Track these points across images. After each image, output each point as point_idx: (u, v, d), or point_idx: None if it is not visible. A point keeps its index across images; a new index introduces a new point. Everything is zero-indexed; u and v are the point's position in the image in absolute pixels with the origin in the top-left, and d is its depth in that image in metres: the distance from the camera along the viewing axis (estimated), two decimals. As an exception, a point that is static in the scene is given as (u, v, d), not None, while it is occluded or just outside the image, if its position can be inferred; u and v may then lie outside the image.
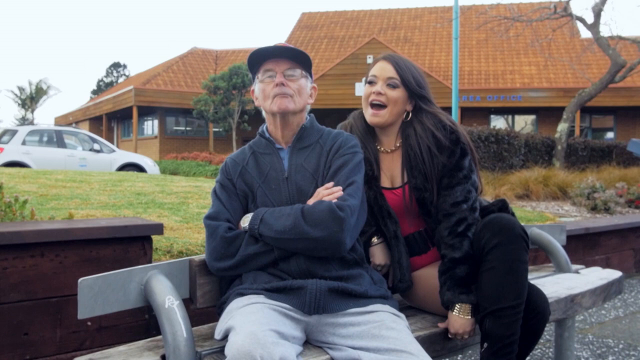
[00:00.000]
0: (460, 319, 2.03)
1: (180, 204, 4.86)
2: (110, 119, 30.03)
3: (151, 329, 2.72)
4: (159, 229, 2.76)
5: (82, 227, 2.55)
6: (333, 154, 1.96)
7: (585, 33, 22.50)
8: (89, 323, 2.57)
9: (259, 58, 1.97)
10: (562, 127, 13.12)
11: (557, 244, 3.11)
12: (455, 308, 2.03)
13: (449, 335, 2.07)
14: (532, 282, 2.38)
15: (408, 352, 1.63)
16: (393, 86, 2.18)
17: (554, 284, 2.76)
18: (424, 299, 2.21)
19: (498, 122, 24.64)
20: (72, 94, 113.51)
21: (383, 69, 2.20)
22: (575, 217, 6.77)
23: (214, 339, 1.93)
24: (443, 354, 2.11)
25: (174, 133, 26.99)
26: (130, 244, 2.69)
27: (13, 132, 12.91)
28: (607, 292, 2.89)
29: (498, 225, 2.01)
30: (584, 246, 5.13)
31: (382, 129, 2.25)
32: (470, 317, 2.03)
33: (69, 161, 12.61)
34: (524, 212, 6.67)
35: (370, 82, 2.22)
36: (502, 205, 2.20)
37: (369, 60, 22.03)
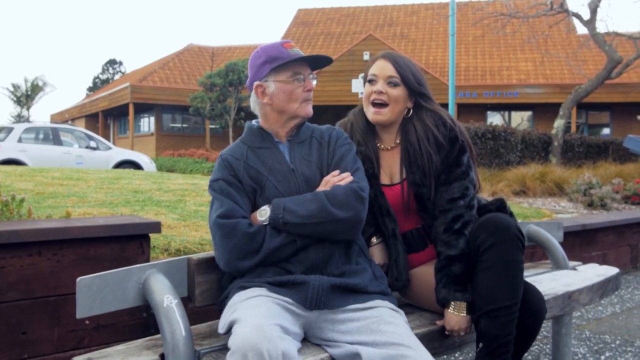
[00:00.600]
0: (455, 316, 2.04)
1: (178, 202, 4.85)
2: (107, 116, 29.95)
3: (149, 328, 2.72)
4: (156, 227, 2.75)
5: (80, 225, 2.55)
6: (333, 144, 2.03)
7: (582, 29, 22.53)
8: (87, 322, 2.57)
9: (289, 59, 1.96)
10: (559, 123, 13.13)
11: (554, 240, 3.11)
12: (451, 305, 2.04)
13: (446, 332, 2.08)
14: (529, 279, 2.40)
15: (406, 345, 1.66)
16: (394, 84, 2.19)
17: (551, 281, 2.77)
18: (421, 296, 2.22)
19: (494, 119, 24.65)
20: (67, 91, 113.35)
21: (383, 68, 2.20)
22: (572, 214, 6.78)
23: (212, 337, 1.93)
24: (441, 351, 2.12)
25: (171, 130, 26.94)
26: (128, 243, 2.69)
27: (9, 130, 12.86)
28: (604, 288, 2.90)
29: (493, 225, 2.01)
30: (581, 242, 5.15)
31: (384, 127, 2.25)
32: (465, 314, 2.04)
33: (65, 159, 12.56)
34: (521, 208, 6.68)
35: (371, 81, 2.23)
36: (500, 205, 2.20)
37: (366, 56, 22.02)
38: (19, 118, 43.62)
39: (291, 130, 2.02)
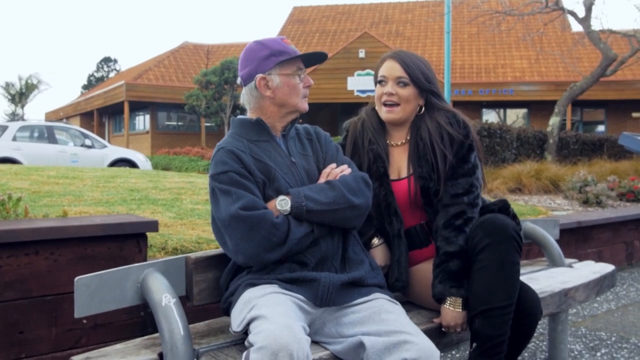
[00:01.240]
0: (451, 311, 2.05)
1: (174, 200, 4.85)
2: (102, 114, 29.86)
3: (147, 326, 2.72)
4: (154, 226, 2.75)
5: (77, 224, 2.55)
6: (323, 141, 2.12)
7: (577, 27, 22.53)
8: (85, 321, 2.57)
9: (294, 54, 1.99)
10: (554, 120, 13.16)
11: (550, 238, 3.13)
12: (447, 301, 2.06)
13: (442, 329, 2.08)
14: (526, 276, 2.41)
15: (407, 332, 1.71)
16: (403, 84, 2.21)
17: (547, 278, 2.78)
18: (420, 294, 2.23)
19: (490, 116, 24.69)
20: (62, 89, 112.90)
21: (391, 69, 2.22)
22: (568, 211, 6.81)
23: (210, 336, 1.94)
24: (439, 348, 2.11)
25: (166, 128, 26.88)
26: (125, 242, 2.69)
27: (3, 128, 12.80)
28: (600, 285, 2.91)
29: (491, 225, 2.02)
30: (577, 240, 5.16)
31: (396, 125, 2.28)
32: (461, 309, 2.05)
33: (60, 157, 12.52)
34: (517, 206, 6.70)
35: (380, 82, 2.26)
36: (502, 206, 2.21)
37: (361, 54, 22.02)
38: (14, 116, 43.41)
39: (287, 124, 2.04)
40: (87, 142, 13.24)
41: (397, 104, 2.22)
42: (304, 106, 2.03)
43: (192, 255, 2.01)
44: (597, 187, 7.59)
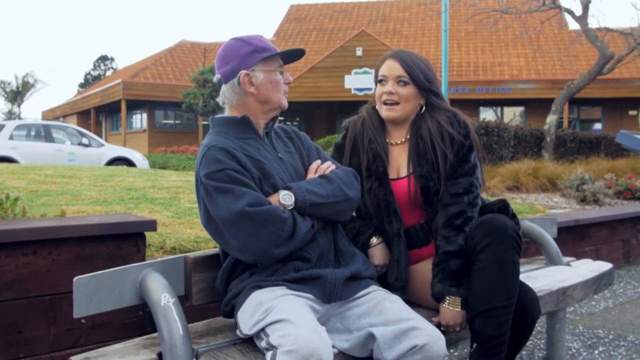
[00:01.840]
0: (450, 310, 2.05)
1: (172, 199, 4.84)
2: (99, 113, 29.80)
3: (145, 326, 2.71)
4: (152, 225, 2.75)
5: (76, 224, 2.54)
6: (303, 139, 2.15)
7: (574, 25, 22.61)
8: (83, 321, 2.56)
9: (276, 51, 2.00)
10: (551, 118, 13.17)
11: (548, 236, 3.13)
12: (446, 300, 2.06)
13: (441, 328, 2.08)
14: (524, 275, 2.41)
15: (413, 319, 1.77)
16: (403, 84, 2.22)
17: (545, 277, 2.79)
18: (419, 293, 2.23)
19: (487, 114, 24.71)
20: (59, 87, 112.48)
21: (392, 68, 2.23)
22: (565, 209, 6.81)
23: (210, 335, 1.94)
24: (438, 347, 2.12)
25: (163, 127, 26.85)
26: (124, 241, 2.68)
27: (0, 127, 12.78)
28: (598, 284, 2.92)
29: (490, 225, 2.03)
30: (574, 238, 5.17)
31: (396, 123, 2.29)
32: (460, 309, 2.05)
33: (57, 156, 12.49)
34: (514, 204, 6.70)
35: (381, 82, 2.27)
36: (502, 206, 2.21)
37: (358, 52, 22.02)
38: (10, 115, 43.33)
39: (269, 121, 2.03)
40: (84, 140, 13.22)
41: (397, 103, 2.23)
42: (285, 103, 2.04)
43: (191, 254, 2.01)
44: (595, 185, 7.59)
